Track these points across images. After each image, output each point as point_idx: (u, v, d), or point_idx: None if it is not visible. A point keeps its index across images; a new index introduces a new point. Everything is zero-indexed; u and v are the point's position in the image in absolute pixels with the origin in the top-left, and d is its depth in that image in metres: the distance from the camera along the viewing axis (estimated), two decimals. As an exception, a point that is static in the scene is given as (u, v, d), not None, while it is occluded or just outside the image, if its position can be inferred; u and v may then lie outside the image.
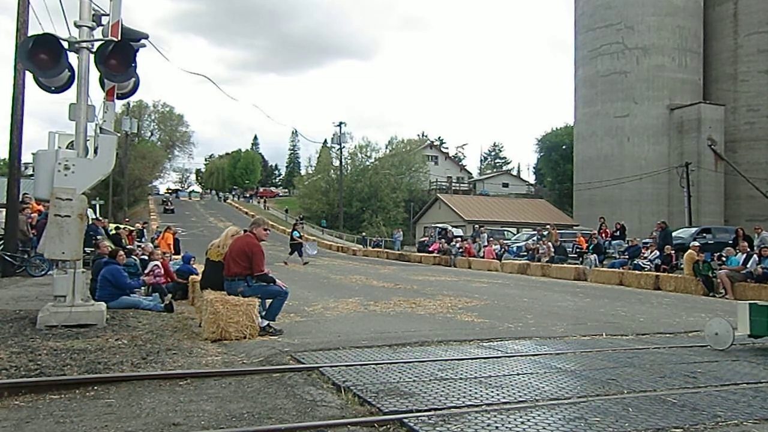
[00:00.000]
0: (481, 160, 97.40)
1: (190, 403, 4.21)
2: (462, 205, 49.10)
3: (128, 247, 15.49)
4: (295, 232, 23.53)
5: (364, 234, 46.45)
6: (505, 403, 4.22)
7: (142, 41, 8.07)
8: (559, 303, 11.32)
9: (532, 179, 75.36)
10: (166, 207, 57.60)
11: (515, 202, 55.21)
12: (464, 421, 3.75)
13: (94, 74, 7.82)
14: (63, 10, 9.31)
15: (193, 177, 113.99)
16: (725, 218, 39.08)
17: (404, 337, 6.88)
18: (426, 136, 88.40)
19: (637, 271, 16.97)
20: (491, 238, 27.44)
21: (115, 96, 8.13)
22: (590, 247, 21.23)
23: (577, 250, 23.16)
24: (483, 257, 24.53)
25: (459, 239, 29.01)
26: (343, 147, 57.17)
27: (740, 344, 6.78)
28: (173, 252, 18.45)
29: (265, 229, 7.60)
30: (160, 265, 11.16)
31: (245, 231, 7.77)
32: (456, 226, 39.77)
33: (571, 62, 56.31)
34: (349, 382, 4.69)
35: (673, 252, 17.23)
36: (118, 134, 15.23)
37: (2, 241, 14.77)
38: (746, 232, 18.09)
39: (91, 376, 4.90)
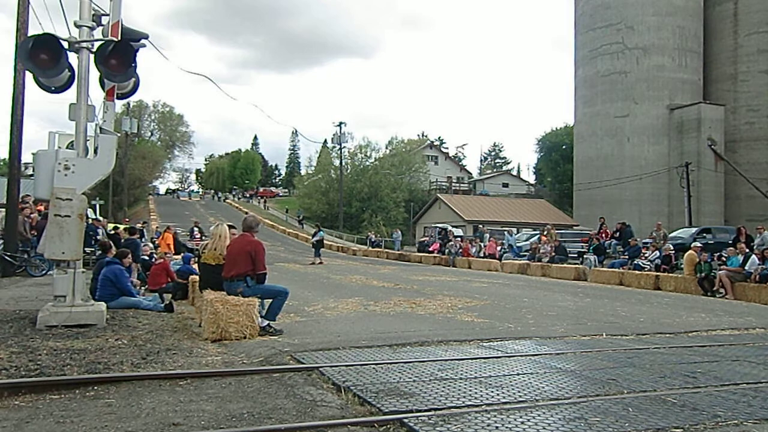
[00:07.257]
0: (481, 160, 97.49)
1: (190, 403, 4.21)
2: (462, 205, 49.08)
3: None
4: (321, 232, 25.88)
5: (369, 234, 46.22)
6: (505, 403, 4.22)
7: (142, 41, 8.07)
8: (559, 303, 11.31)
9: (532, 179, 75.36)
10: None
11: (515, 202, 55.17)
12: (464, 421, 3.75)
13: (94, 74, 7.84)
14: (63, 10, 9.32)
15: (193, 177, 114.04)
16: (725, 218, 39.07)
17: (404, 337, 6.87)
18: (426, 136, 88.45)
19: (637, 271, 16.98)
20: (492, 239, 27.52)
21: (115, 96, 8.13)
22: (590, 248, 21.26)
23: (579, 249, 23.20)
24: (483, 256, 24.56)
25: (459, 239, 29.03)
26: (343, 147, 57.14)
27: (742, 343, 6.77)
28: (173, 252, 18.44)
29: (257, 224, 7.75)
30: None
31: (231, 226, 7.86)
32: (456, 226, 39.75)
33: (571, 62, 56.25)
34: (349, 382, 4.69)
35: (672, 252, 17.25)
36: (118, 134, 15.22)
37: (2, 241, 14.76)
38: (748, 231, 18.07)
39: (91, 376, 4.90)
